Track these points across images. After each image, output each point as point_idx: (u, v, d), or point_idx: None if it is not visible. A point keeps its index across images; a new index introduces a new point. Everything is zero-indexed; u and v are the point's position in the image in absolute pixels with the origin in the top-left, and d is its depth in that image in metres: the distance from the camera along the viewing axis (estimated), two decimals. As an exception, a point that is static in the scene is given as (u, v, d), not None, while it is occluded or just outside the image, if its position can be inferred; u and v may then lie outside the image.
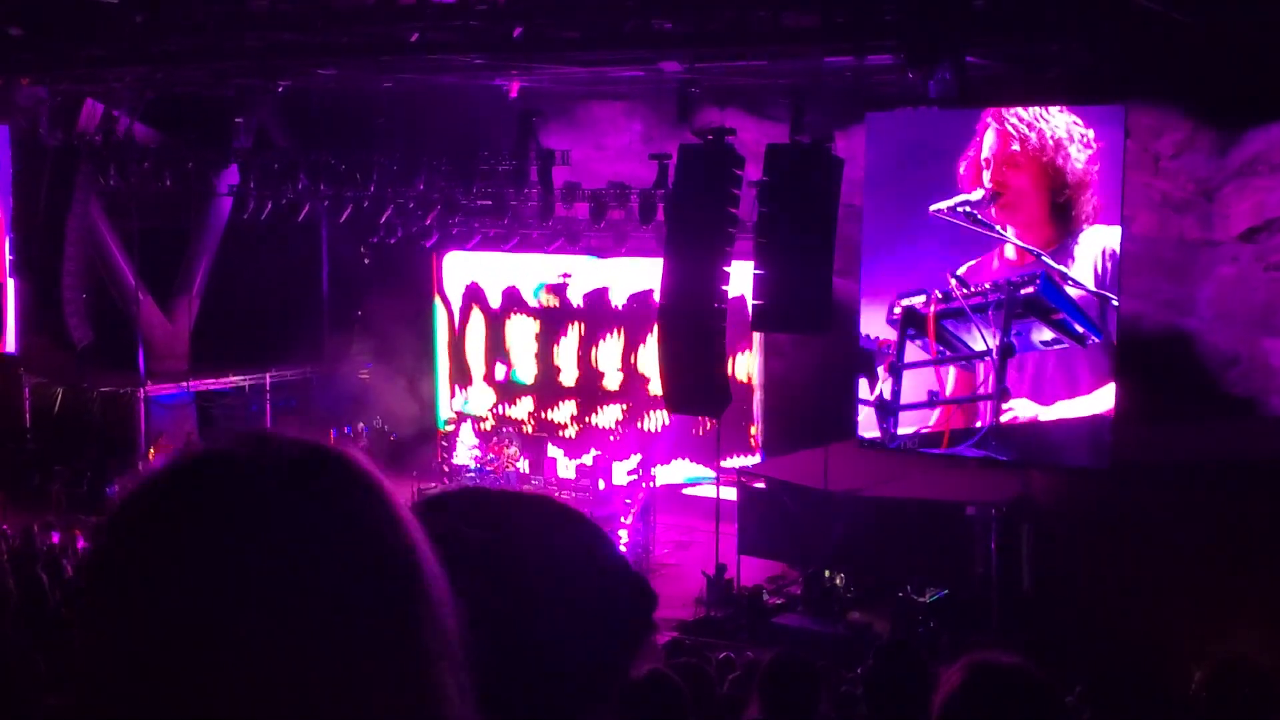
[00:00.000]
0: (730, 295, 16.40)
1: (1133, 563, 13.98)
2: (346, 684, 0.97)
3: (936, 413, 15.63)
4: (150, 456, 20.93)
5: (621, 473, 21.21)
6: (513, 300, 23.45)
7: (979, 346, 15.24)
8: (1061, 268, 14.73)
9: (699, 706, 4.92)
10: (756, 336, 20.30)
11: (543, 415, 23.25)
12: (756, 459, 20.37)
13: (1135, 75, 16.11)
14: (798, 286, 15.48)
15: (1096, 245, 14.57)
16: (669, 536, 19.74)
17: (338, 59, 18.34)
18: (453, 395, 24.39)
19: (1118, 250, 14.48)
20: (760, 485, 17.57)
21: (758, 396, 20.95)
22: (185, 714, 0.94)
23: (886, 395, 15.79)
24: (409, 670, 1.01)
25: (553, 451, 22.60)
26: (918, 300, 15.51)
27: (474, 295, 23.87)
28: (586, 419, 22.77)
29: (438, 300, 24.34)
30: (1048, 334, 14.90)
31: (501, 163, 20.02)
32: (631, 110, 21.55)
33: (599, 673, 1.39)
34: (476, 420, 23.41)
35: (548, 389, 23.20)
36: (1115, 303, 14.52)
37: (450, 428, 23.65)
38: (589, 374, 22.71)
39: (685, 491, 21.00)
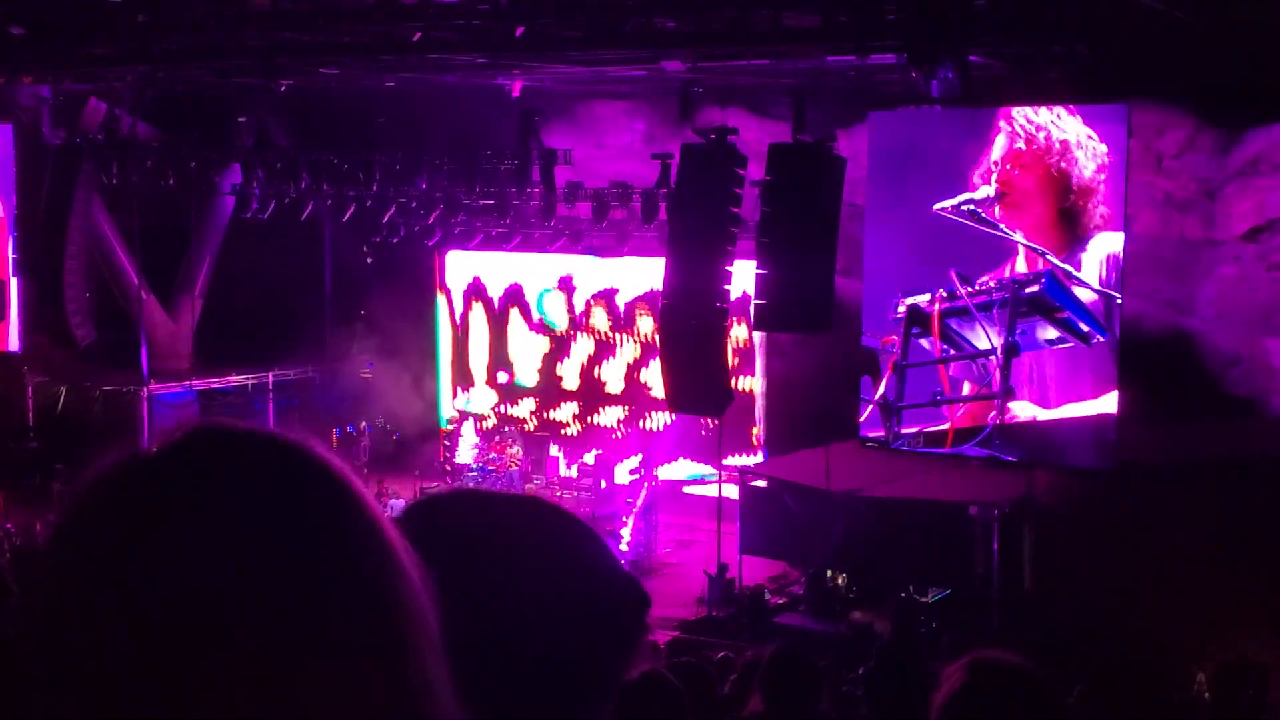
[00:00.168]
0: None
1: (1133, 563, 13.97)
2: (315, 683, 0.94)
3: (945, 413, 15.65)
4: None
5: (623, 472, 21.22)
6: (514, 298, 23.47)
7: (984, 345, 15.23)
8: (1067, 267, 14.73)
9: (699, 706, 4.92)
10: (757, 339, 20.30)
11: (545, 415, 23.27)
12: (758, 458, 20.37)
13: (1137, 75, 16.09)
14: (800, 286, 15.47)
15: (1102, 250, 14.58)
16: (670, 535, 19.75)
17: (339, 58, 18.33)
18: (455, 395, 24.41)
19: (1120, 251, 14.48)
20: (762, 484, 17.58)
21: (760, 396, 20.95)
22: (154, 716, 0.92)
23: (890, 395, 15.80)
24: (382, 668, 0.98)
25: (554, 451, 22.64)
26: (922, 299, 15.51)
27: (476, 290, 23.89)
28: (589, 418, 22.79)
29: (440, 297, 24.34)
30: (1052, 333, 14.89)
31: (503, 162, 20.01)
32: (633, 110, 21.55)
33: (591, 673, 1.38)
34: (478, 419, 23.43)
35: (550, 392, 23.25)
36: (1119, 301, 14.52)
37: (452, 427, 23.67)
38: (591, 383, 22.79)
39: (686, 490, 20.99)
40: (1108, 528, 14.62)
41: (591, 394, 22.74)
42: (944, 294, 15.31)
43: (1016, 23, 14.53)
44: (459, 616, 1.08)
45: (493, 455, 21.89)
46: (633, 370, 22.27)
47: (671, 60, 16.60)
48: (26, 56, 19.63)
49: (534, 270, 22.99)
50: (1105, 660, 11.72)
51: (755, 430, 21.02)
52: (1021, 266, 15.07)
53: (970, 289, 15.19)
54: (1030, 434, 15.20)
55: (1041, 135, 14.76)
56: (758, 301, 16.02)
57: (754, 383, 20.88)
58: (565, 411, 23.07)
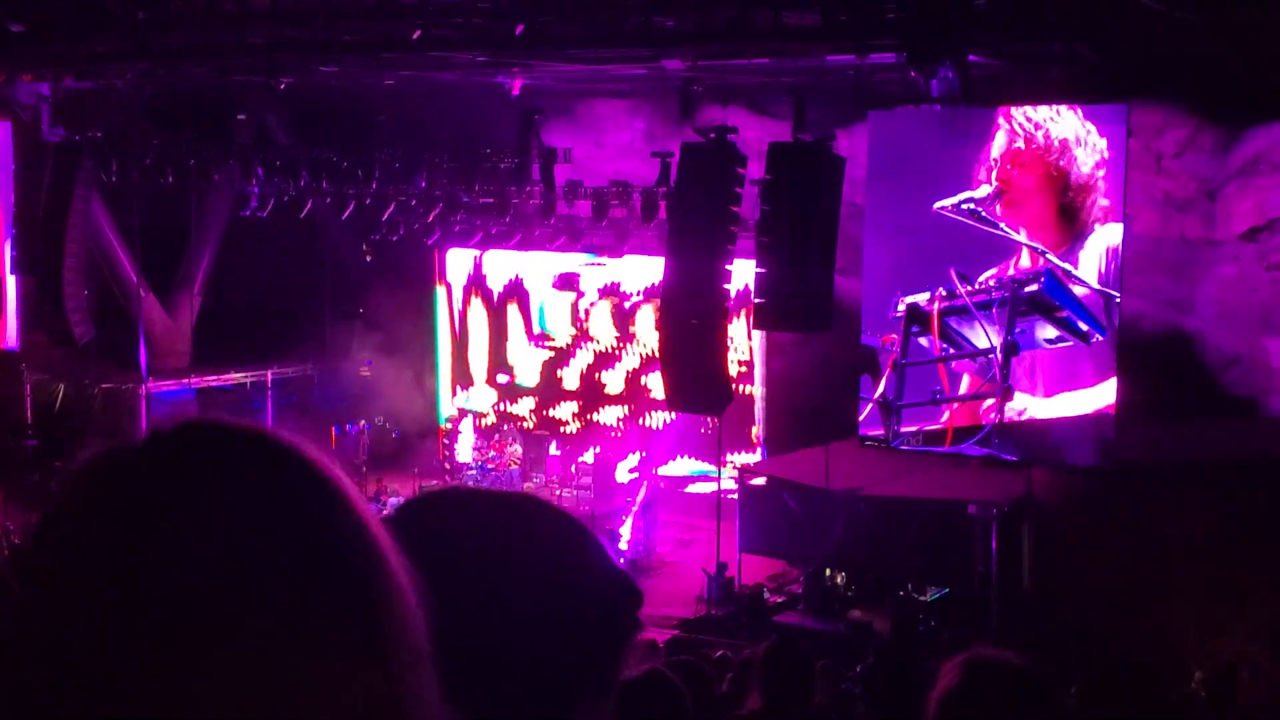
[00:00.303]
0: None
1: (1132, 561, 13.97)
2: (291, 681, 0.93)
3: (946, 411, 15.65)
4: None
5: (623, 470, 21.22)
6: (514, 291, 23.47)
7: (983, 344, 15.23)
8: (1066, 265, 14.72)
9: (697, 705, 4.91)
10: (757, 339, 20.30)
11: (544, 413, 23.27)
12: (757, 457, 20.37)
13: (1137, 74, 16.08)
14: (799, 285, 15.45)
15: (1101, 244, 14.57)
16: (670, 534, 19.74)
17: (339, 56, 18.31)
18: (454, 393, 24.40)
19: (1120, 243, 14.48)
20: (761, 483, 17.58)
21: (760, 395, 20.96)
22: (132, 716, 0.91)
23: (890, 393, 15.80)
24: (364, 668, 0.97)
25: (554, 449, 22.64)
26: (921, 298, 15.51)
27: (476, 283, 23.89)
28: (588, 416, 22.79)
29: (440, 289, 24.30)
30: (1052, 331, 14.89)
31: (503, 160, 20.01)
32: (633, 108, 21.55)
33: (585, 672, 1.38)
34: (478, 417, 23.43)
35: (550, 391, 23.25)
36: (1118, 299, 14.52)
37: (451, 425, 23.66)
38: (592, 384, 22.79)
39: (688, 489, 21.00)
40: (1107, 526, 14.63)
41: (592, 394, 22.75)
42: (943, 293, 15.31)
43: (1016, 22, 14.52)
44: (449, 616, 1.07)
45: (492, 454, 21.89)
46: (633, 377, 22.31)
47: (672, 59, 16.58)
48: (26, 54, 19.62)
49: (534, 269, 22.98)
50: (1104, 658, 11.72)
51: (755, 429, 21.02)
52: (1025, 263, 15.07)
53: (970, 288, 15.19)
54: (1029, 433, 15.19)
55: (1040, 134, 14.76)
56: (757, 300, 16.02)
57: (754, 389, 20.91)
58: (565, 410, 23.08)
